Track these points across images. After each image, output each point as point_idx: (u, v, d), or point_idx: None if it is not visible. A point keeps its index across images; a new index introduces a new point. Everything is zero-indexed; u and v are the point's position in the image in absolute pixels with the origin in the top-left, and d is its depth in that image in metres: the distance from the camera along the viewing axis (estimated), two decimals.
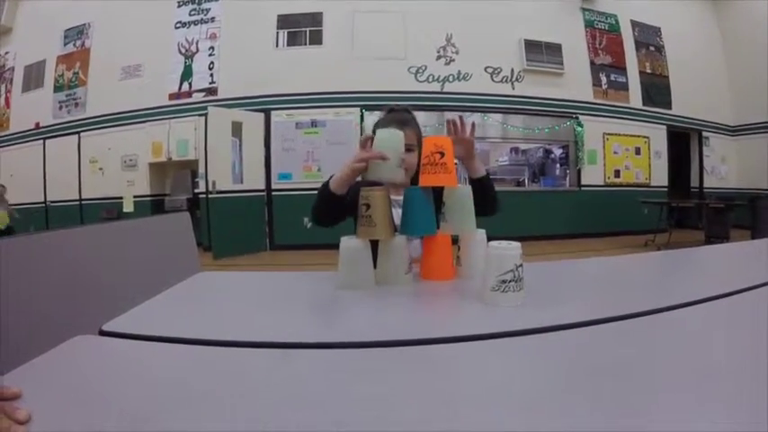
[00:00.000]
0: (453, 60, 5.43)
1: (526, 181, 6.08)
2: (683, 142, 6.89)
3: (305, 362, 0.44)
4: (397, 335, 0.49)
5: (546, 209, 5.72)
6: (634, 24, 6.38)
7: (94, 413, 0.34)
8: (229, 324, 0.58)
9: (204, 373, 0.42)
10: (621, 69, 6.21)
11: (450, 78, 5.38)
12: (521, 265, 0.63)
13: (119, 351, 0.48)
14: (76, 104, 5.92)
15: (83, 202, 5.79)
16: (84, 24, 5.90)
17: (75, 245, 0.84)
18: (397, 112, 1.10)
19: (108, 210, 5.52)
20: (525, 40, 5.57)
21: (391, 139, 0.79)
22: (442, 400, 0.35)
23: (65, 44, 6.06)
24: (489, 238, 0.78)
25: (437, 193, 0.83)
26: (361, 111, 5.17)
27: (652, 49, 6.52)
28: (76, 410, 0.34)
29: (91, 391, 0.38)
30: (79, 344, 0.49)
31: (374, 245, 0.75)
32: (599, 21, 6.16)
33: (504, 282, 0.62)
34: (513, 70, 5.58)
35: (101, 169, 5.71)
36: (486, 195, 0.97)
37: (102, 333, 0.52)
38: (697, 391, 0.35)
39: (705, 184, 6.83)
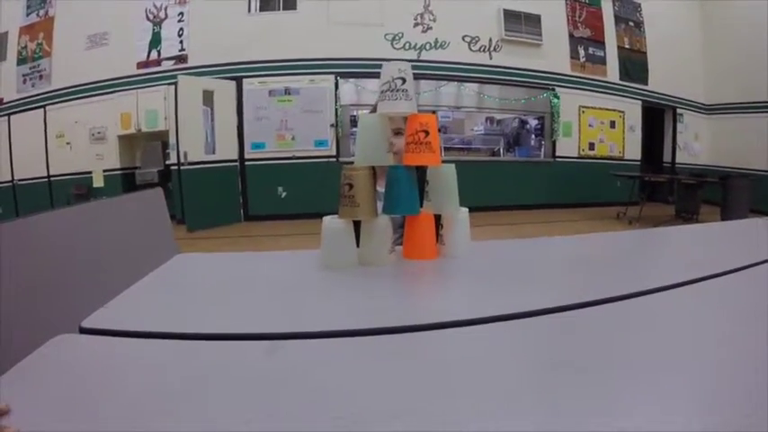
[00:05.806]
0: (431, 28, 5.36)
1: (501, 151, 6.09)
2: (657, 118, 7.00)
3: (295, 353, 0.44)
4: (385, 322, 0.50)
5: (520, 179, 5.77)
6: None
7: (88, 421, 0.33)
8: (213, 314, 0.57)
9: (193, 369, 0.42)
10: (600, 43, 6.24)
11: (428, 47, 5.32)
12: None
13: (102, 351, 0.47)
14: (41, 77, 5.67)
15: (51, 179, 5.58)
16: None
17: (43, 232, 0.78)
18: None
19: (78, 186, 5.34)
20: (504, 9, 5.52)
21: (375, 126, 0.78)
22: (433, 390, 0.36)
23: (27, 14, 5.77)
24: (463, 207, 0.80)
25: (421, 171, 0.82)
26: (336, 78, 5.07)
27: (631, 24, 6.55)
28: (69, 419, 0.33)
29: (81, 397, 0.37)
30: (61, 344, 0.47)
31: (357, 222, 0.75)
32: None
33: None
34: (491, 40, 5.54)
35: (68, 144, 5.49)
36: None
37: (83, 330, 0.50)
38: (667, 380, 0.36)
39: (677, 160, 6.96)
